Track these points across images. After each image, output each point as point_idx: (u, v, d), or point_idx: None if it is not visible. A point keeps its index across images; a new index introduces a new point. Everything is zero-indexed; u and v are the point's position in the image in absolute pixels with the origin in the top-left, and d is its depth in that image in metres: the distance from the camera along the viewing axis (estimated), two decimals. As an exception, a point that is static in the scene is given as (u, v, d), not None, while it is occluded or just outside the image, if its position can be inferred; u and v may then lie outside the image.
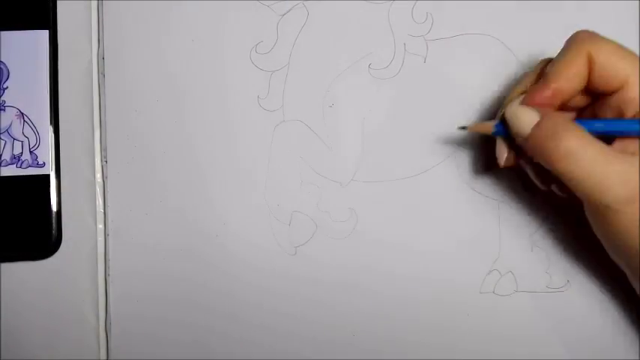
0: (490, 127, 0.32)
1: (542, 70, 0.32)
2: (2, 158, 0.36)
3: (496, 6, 0.39)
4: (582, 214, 0.32)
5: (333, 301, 0.37)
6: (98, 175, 0.37)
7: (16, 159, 0.36)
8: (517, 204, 0.38)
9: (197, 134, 0.37)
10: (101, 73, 0.37)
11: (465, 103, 0.38)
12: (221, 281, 0.37)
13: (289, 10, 0.38)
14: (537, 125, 0.30)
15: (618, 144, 0.30)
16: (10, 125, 0.36)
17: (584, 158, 0.28)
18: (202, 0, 0.38)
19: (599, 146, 0.29)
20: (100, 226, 0.37)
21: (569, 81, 0.30)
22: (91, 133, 0.37)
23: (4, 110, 0.36)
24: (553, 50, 0.39)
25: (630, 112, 0.30)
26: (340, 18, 0.38)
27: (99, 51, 0.38)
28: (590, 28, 0.39)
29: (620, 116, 0.30)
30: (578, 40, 0.31)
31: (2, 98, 0.36)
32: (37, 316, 0.36)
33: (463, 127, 0.33)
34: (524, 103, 0.31)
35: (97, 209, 0.37)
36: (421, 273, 0.38)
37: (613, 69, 0.30)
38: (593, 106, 0.32)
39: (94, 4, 0.38)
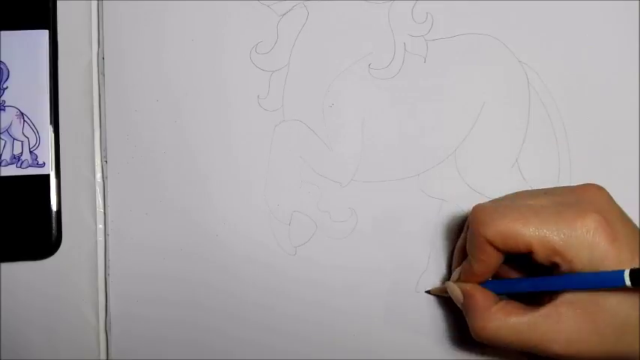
0: (442, 291, 0.37)
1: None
2: (2, 158, 0.36)
3: (496, 6, 0.39)
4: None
5: (333, 301, 0.37)
6: (98, 175, 0.37)
7: (16, 159, 0.36)
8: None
9: (197, 134, 0.37)
10: (101, 73, 0.37)
11: (465, 103, 0.38)
12: (221, 281, 0.37)
13: (289, 10, 0.38)
14: (463, 305, 0.34)
15: (542, 294, 0.32)
16: (10, 125, 0.36)
17: (505, 333, 0.32)
18: (202, 0, 0.38)
19: (515, 317, 0.31)
20: (100, 226, 0.37)
21: (485, 263, 0.33)
22: (91, 133, 0.37)
23: (4, 110, 0.36)
24: (553, 50, 0.40)
25: (549, 267, 0.32)
26: (340, 18, 0.38)
27: (99, 51, 0.38)
28: (590, 28, 0.39)
29: (545, 268, 0.32)
30: (472, 225, 0.33)
31: (2, 98, 0.36)
32: (37, 316, 0.36)
33: (428, 291, 0.38)
34: (462, 278, 0.35)
35: (97, 209, 0.37)
36: (421, 272, 0.38)
37: (512, 244, 0.31)
38: None
39: (94, 4, 0.38)
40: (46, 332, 0.36)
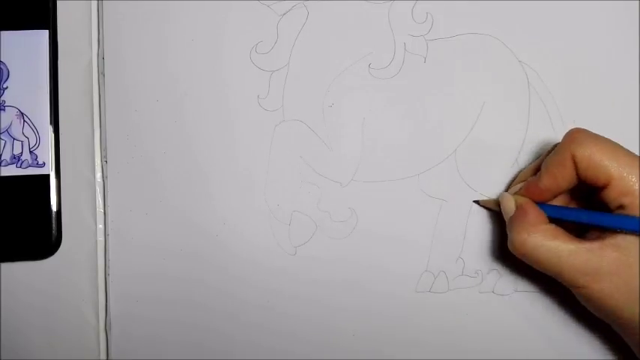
0: (494, 204, 0.37)
1: (540, 164, 0.35)
2: (2, 158, 0.36)
3: (496, 6, 0.39)
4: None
5: (333, 301, 0.37)
6: (98, 175, 0.37)
7: (16, 159, 0.36)
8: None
9: (197, 134, 0.37)
10: (101, 73, 0.37)
11: (465, 103, 0.38)
12: (221, 281, 0.37)
13: (289, 10, 0.38)
14: (512, 217, 0.34)
15: (592, 232, 0.33)
16: (10, 125, 0.36)
17: (544, 253, 0.33)
18: (202, 0, 0.38)
19: (559, 241, 0.32)
20: (100, 226, 0.37)
21: (557, 180, 0.33)
22: (91, 133, 0.37)
23: (4, 110, 0.36)
24: (553, 50, 0.40)
25: (612, 207, 0.32)
26: (340, 18, 0.38)
27: (99, 51, 0.38)
28: (590, 28, 0.39)
29: (606, 207, 0.33)
30: (565, 142, 0.33)
31: (2, 98, 0.36)
32: (37, 316, 0.36)
33: (476, 201, 0.38)
34: (519, 193, 0.35)
35: (97, 209, 0.37)
36: (421, 272, 0.38)
37: (595, 170, 0.32)
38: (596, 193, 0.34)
39: (94, 4, 0.38)
40: (46, 332, 0.36)
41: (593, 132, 0.34)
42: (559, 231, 0.33)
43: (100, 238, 0.37)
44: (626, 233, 0.32)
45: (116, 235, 0.37)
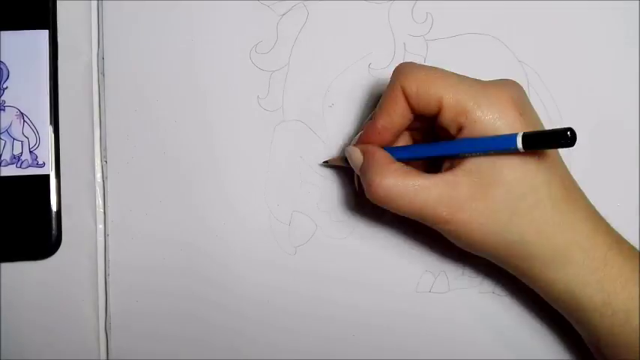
0: (341, 161, 0.36)
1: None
2: (2, 158, 0.36)
3: (496, 6, 0.39)
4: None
5: (333, 301, 0.37)
6: (98, 175, 0.37)
7: (16, 159, 0.36)
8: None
9: (197, 134, 0.37)
10: (101, 73, 0.37)
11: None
12: (221, 282, 0.37)
13: (289, 10, 0.38)
14: (362, 165, 0.33)
15: (444, 165, 0.32)
16: (10, 125, 0.36)
17: (401, 191, 0.31)
18: (202, 0, 0.38)
19: (412, 177, 0.31)
20: (100, 226, 0.37)
21: (392, 117, 0.32)
22: (91, 133, 0.37)
23: (4, 110, 0.36)
24: (553, 50, 0.40)
25: (453, 132, 0.31)
26: (340, 18, 0.38)
27: (99, 51, 0.38)
28: (590, 28, 0.39)
29: (449, 136, 0.32)
30: (393, 76, 0.32)
31: (2, 98, 0.36)
32: (37, 315, 0.36)
33: (325, 162, 0.37)
34: (359, 141, 0.34)
35: (97, 209, 0.37)
36: (421, 273, 0.38)
37: (426, 97, 0.31)
38: (435, 124, 0.33)
39: (94, 4, 0.38)
40: (46, 332, 0.36)
41: (420, 63, 0.32)
42: (410, 169, 0.32)
43: (100, 238, 0.37)
44: (472, 156, 0.31)
45: (116, 235, 0.37)
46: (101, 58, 0.37)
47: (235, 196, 0.37)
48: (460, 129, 0.31)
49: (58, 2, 0.37)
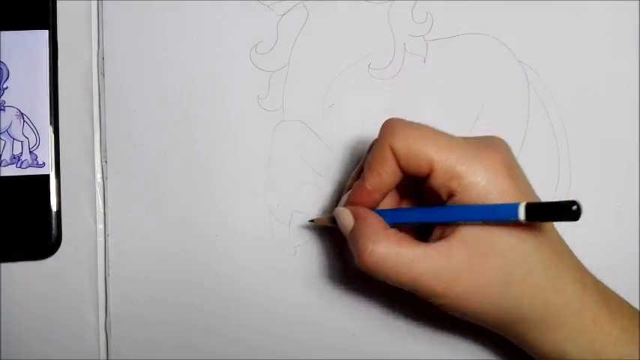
0: (328, 221, 0.35)
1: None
2: (2, 158, 0.36)
3: (496, 6, 0.39)
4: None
5: (333, 302, 0.37)
6: (98, 175, 0.37)
7: (16, 159, 0.36)
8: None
9: (197, 134, 0.37)
10: (101, 73, 0.37)
11: (465, 103, 0.38)
12: (221, 282, 0.37)
13: (289, 10, 0.38)
14: (352, 230, 0.31)
15: (435, 231, 0.31)
16: (10, 125, 0.36)
17: (394, 262, 0.29)
18: (202, 0, 0.38)
19: (406, 247, 0.29)
20: (100, 226, 0.37)
21: (382, 178, 0.31)
22: (91, 133, 0.37)
23: (4, 110, 0.36)
24: (553, 50, 0.40)
25: (444, 196, 0.30)
26: (340, 18, 0.38)
27: (99, 51, 0.38)
28: (590, 28, 0.39)
29: (439, 198, 0.30)
30: (381, 133, 0.31)
31: (2, 98, 0.36)
32: (37, 316, 0.36)
33: (311, 221, 0.36)
34: (349, 202, 0.33)
35: (97, 209, 0.37)
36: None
37: (416, 158, 0.30)
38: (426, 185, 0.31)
39: (94, 4, 0.38)
40: (46, 332, 0.36)
41: (409, 120, 0.31)
42: (403, 236, 0.30)
43: (100, 238, 0.37)
44: (466, 224, 0.29)
45: (116, 235, 0.37)
46: (101, 58, 0.37)
47: (235, 196, 0.37)
48: (452, 194, 0.30)
49: (58, 2, 0.37)
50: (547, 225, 0.31)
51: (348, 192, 0.33)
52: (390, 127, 0.31)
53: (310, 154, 0.38)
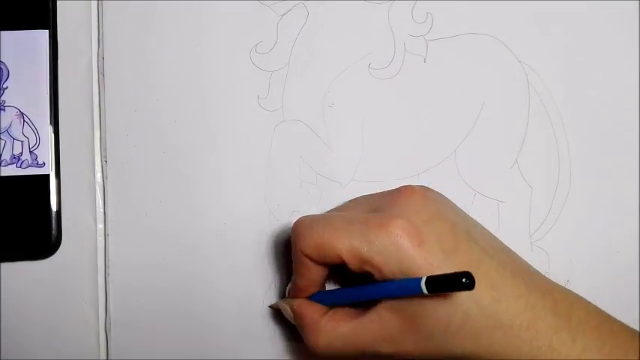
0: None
1: None
2: (2, 158, 0.36)
3: (496, 6, 0.39)
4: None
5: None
6: (98, 175, 0.37)
7: (16, 159, 0.36)
8: (517, 204, 0.38)
9: (197, 134, 0.37)
10: (101, 73, 0.37)
11: (465, 103, 0.38)
12: (221, 282, 0.37)
13: (289, 10, 0.38)
14: (295, 321, 0.33)
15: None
16: (10, 125, 0.36)
17: (339, 344, 0.31)
18: (202, 0, 0.38)
19: (343, 326, 0.31)
20: (100, 226, 0.37)
21: (308, 277, 0.32)
22: (91, 133, 0.37)
23: (4, 110, 0.36)
24: (553, 50, 0.40)
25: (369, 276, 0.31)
26: (340, 18, 0.38)
27: (99, 51, 0.38)
28: (590, 28, 0.39)
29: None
30: (292, 240, 0.32)
31: (2, 98, 0.36)
32: (37, 316, 0.36)
33: (271, 306, 0.37)
34: (291, 295, 0.34)
35: (97, 209, 0.37)
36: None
37: (325, 257, 0.31)
38: None
39: (94, 4, 0.38)
40: (46, 332, 0.36)
41: (313, 215, 0.32)
42: (340, 314, 0.32)
43: (100, 238, 0.37)
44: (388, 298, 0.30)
45: (116, 235, 0.37)
46: (101, 58, 0.37)
47: (235, 196, 0.37)
48: (371, 274, 0.30)
49: (58, 2, 0.37)
50: (475, 259, 0.30)
51: (290, 284, 0.35)
52: (296, 232, 0.32)
53: (310, 154, 0.38)
